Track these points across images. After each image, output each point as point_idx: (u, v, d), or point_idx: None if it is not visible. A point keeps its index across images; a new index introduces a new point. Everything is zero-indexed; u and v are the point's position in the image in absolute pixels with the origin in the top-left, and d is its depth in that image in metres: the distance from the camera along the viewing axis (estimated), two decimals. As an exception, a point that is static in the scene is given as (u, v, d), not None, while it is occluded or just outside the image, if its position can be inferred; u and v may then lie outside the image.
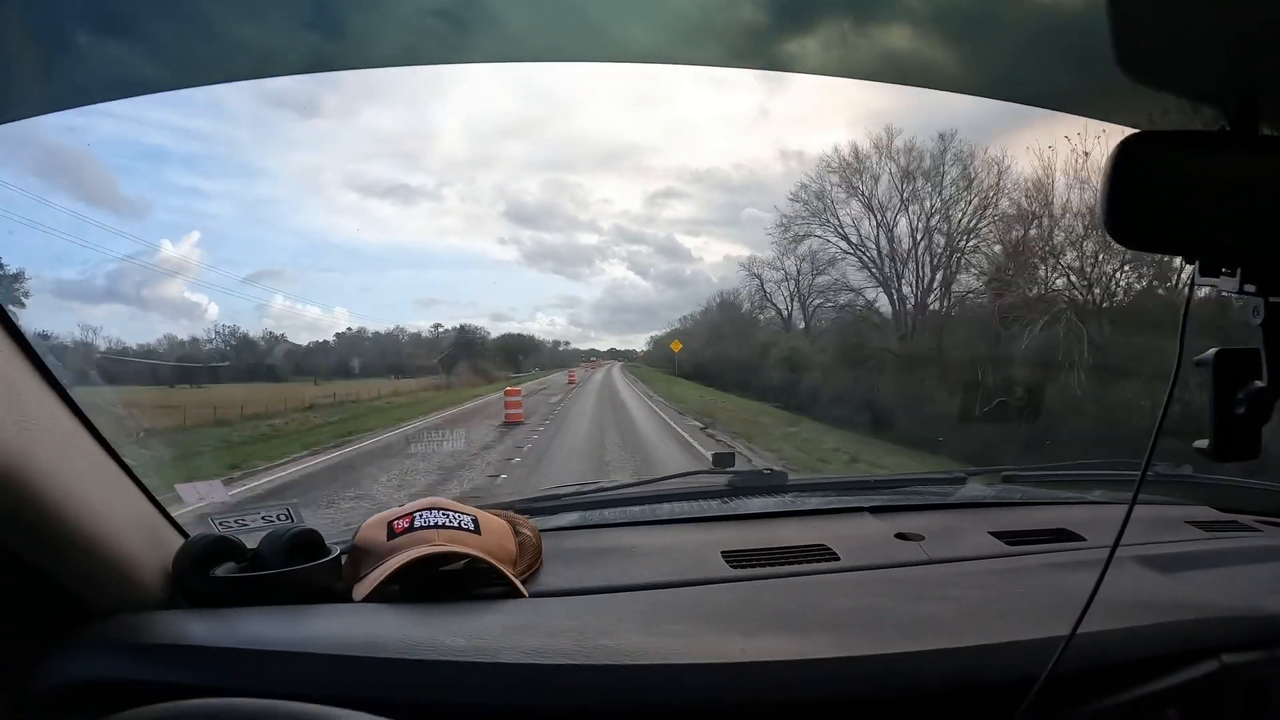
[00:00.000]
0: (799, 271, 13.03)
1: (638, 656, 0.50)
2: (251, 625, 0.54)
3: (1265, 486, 1.02)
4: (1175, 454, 0.92)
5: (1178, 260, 0.51)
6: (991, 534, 0.81)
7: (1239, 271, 0.44)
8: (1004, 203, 9.51)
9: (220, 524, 0.69)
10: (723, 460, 1.10)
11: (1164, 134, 0.43)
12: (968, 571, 0.72)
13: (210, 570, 0.58)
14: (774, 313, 13.96)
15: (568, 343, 23.03)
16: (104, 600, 0.53)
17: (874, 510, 0.91)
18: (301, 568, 0.59)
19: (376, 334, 15.97)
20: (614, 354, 25.32)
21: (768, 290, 13.81)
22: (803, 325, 13.32)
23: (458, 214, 19.40)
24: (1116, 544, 0.46)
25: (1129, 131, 0.44)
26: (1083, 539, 0.81)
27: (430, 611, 0.56)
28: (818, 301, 12.51)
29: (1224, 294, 0.46)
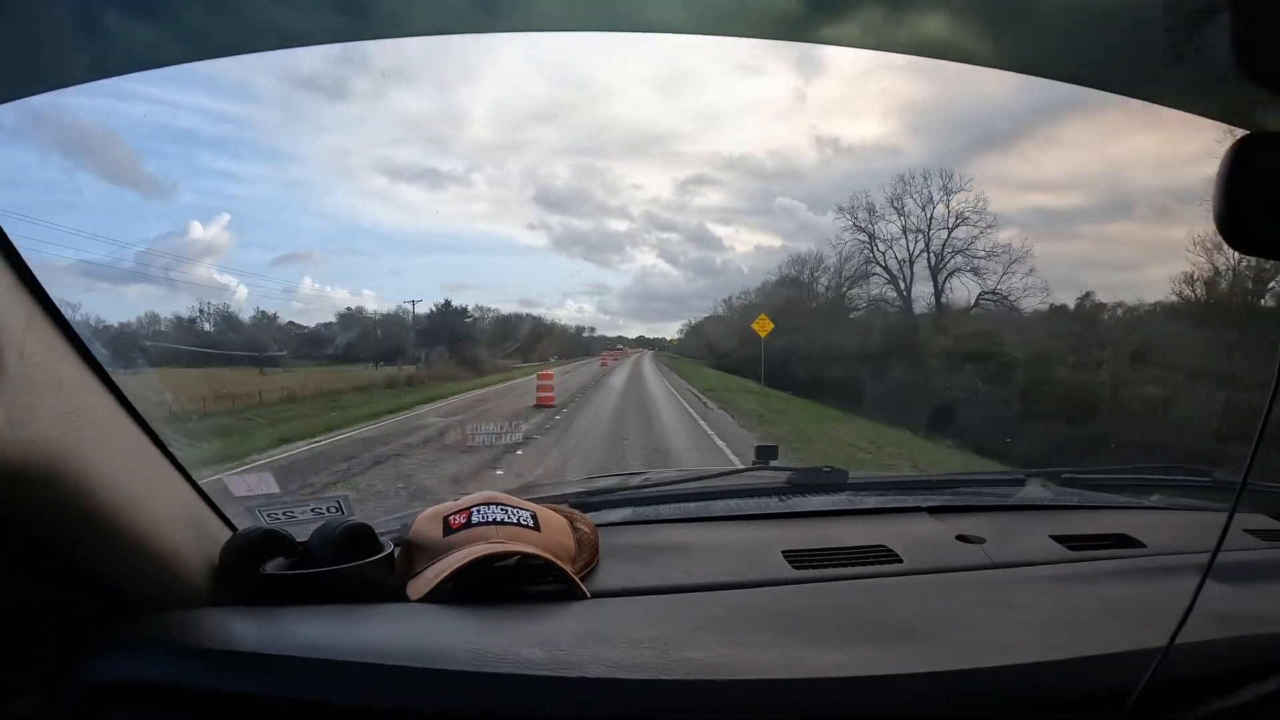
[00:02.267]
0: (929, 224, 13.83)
1: (727, 670, 0.53)
2: (302, 626, 0.58)
3: None
4: (1227, 459, 0.98)
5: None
6: (1052, 538, 0.89)
7: None
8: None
9: (269, 516, 0.76)
10: (765, 453, 1.21)
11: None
12: (1032, 577, 0.79)
13: (259, 565, 0.64)
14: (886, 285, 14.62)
15: (593, 329, 24.16)
16: (149, 596, 0.58)
17: (932, 511, 0.99)
18: (354, 565, 0.65)
19: (350, 313, 16.41)
20: (643, 342, 26.76)
21: (880, 252, 14.46)
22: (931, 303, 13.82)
23: (486, 199, 21.26)
24: (1215, 555, 0.51)
25: (1230, 132, 0.47)
26: (1143, 545, 0.89)
27: (495, 615, 0.61)
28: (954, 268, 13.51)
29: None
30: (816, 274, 15.99)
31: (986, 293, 12.47)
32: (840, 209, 15.19)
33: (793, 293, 17.17)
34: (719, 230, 25.18)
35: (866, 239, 14.99)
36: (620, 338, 26.13)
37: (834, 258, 15.62)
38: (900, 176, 14.44)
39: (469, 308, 18.16)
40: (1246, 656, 0.62)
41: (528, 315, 21.87)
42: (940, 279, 13.83)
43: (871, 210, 14.79)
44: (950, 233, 13.46)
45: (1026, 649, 0.58)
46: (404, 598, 0.65)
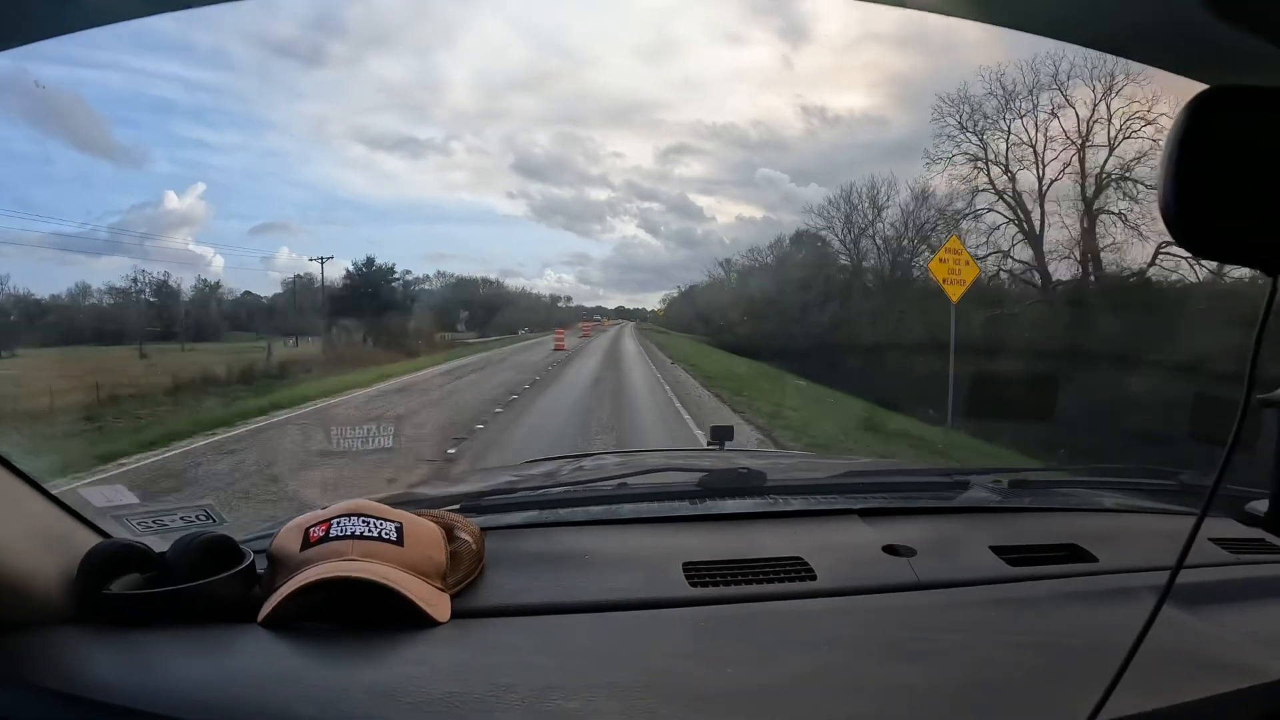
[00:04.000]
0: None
1: None
2: (148, 654, 0.64)
3: None
4: (1197, 462, 1.05)
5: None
6: (992, 549, 0.91)
7: None
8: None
9: (140, 524, 0.81)
10: (721, 434, 1.26)
11: (1257, 91, 0.41)
12: (963, 602, 0.80)
13: (112, 581, 0.69)
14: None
15: (570, 299, 26.25)
16: (2, 615, 0.62)
17: (864, 514, 1.01)
18: (206, 582, 0.70)
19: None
20: (623, 313, 28.81)
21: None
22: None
23: (466, 167, 23.23)
24: (1165, 595, 0.50)
25: (1196, 86, 0.43)
26: (1094, 559, 0.91)
27: (314, 651, 0.66)
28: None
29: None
30: (874, 212, 14.67)
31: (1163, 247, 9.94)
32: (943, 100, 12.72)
33: (817, 250, 16.70)
34: (701, 200, 27.82)
35: (978, 148, 12.50)
36: (599, 308, 28.00)
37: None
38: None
39: (395, 267, 17.59)
40: None
41: (485, 280, 22.21)
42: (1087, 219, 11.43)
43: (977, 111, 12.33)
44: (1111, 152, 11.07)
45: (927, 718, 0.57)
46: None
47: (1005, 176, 12.21)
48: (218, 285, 15.92)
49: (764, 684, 0.63)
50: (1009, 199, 12.07)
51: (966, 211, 12.28)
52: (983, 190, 12.58)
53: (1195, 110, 0.39)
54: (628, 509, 1.03)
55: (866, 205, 14.61)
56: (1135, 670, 0.51)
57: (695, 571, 0.83)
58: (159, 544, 0.74)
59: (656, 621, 0.74)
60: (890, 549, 0.91)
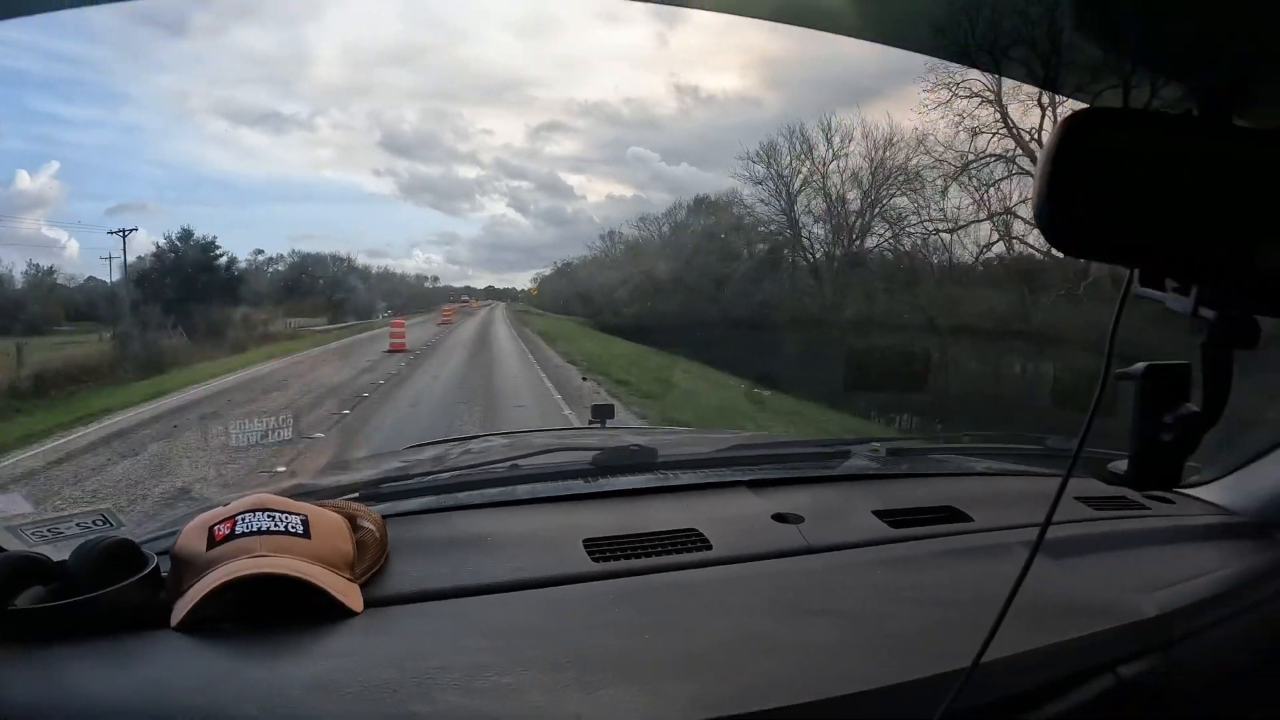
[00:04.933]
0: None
1: None
2: (59, 671, 0.65)
3: None
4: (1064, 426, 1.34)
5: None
6: (875, 514, 1.04)
7: (1192, 292, 0.50)
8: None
9: (35, 534, 0.82)
10: (602, 413, 1.37)
11: (1122, 112, 0.51)
12: (851, 564, 0.91)
13: (14, 597, 0.70)
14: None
15: (436, 279, 26.17)
16: None
17: (752, 485, 1.14)
18: (112, 590, 0.72)
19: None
20: (493, 293, 29.43)
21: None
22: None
23: (332, 144, 23.26)
24: (1036, 549, 0.58)
25: (1069, 104, 0.55)
26: (970, 519, 1.04)
27: (243, 651, 0.69)
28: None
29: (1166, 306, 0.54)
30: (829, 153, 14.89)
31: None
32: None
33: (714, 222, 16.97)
34: (571, 179, 29.60)
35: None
36: (469, 288, 28.23)
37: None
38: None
39: (216, 241, 15.97)
40: (1064, 664, 0.73)
41: (337, 257, 21.45)
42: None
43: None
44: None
45: (827, 677, 0.66)
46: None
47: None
48: (51, 270, 14.76)
49: (683, 649, 0.71)
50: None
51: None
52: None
53: (1068, 127, 0.45)
54: (523, 489, 1.11)
55: (808, 151, 14.68)
56: (1013, 616, 0.60)
57: (596, 547, 0.91)
58: (56, 553, 0.76)
59: (566, 597, 0.81)
60: (779, 517, 1.02)
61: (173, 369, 11.00)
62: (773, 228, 14.79)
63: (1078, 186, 0.46)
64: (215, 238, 15.13)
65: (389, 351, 12.84)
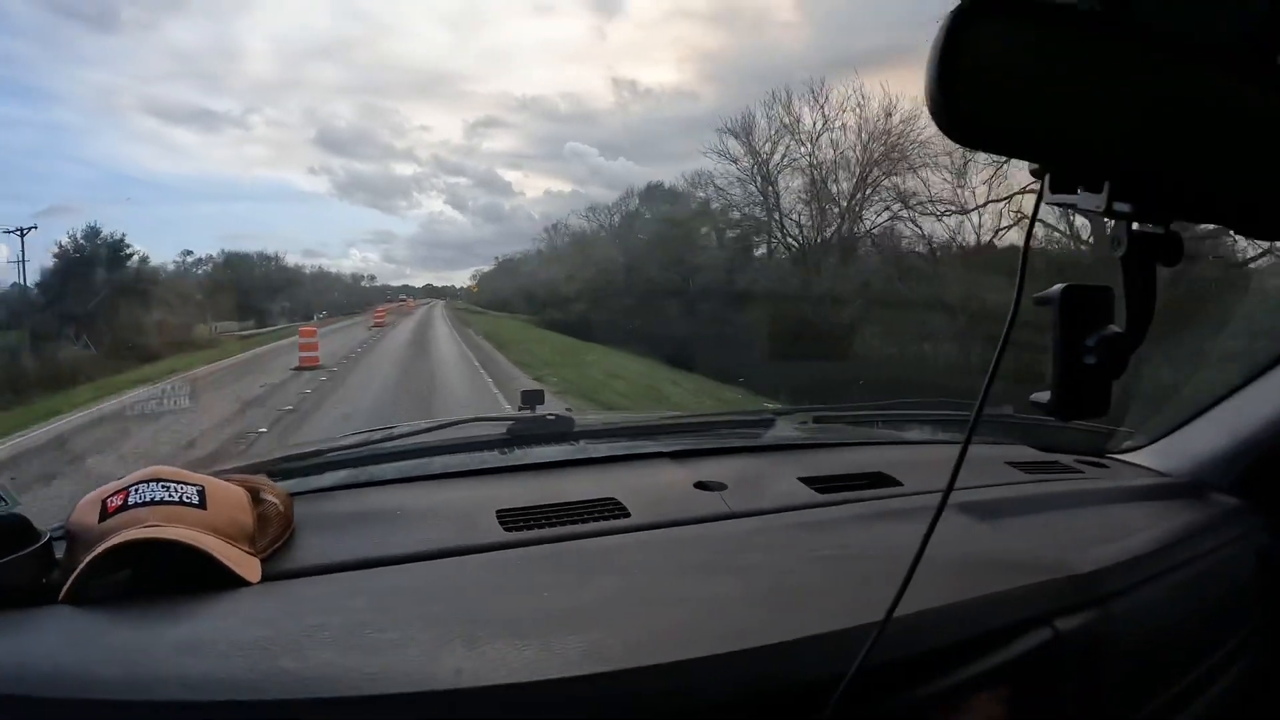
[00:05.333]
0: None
1: (319, 686, 0.59)
2: None
3: (1085, 426, 1.32)
4: (1004, 397, 1.19)
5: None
6: (801, 480, 1.04)
7: (1104, 188, 0.48)
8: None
9: None
10: (531, 399, 1.33)
11: (1016, 3, 0.47)
12: (773, 527, 0.91)
13: None
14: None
15: (373, 278, 26.41)
16: None
17: (674, 456, 1.14)
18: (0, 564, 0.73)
19: None
20: (431, 291, 29.97)
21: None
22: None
23: (265, 142, 22.77)
24: (944, 501, 0.57)
25: None
26: (899, 484, 1.05)
27: (125, 619, 0.70)
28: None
29: (1078, 213, 0.65)
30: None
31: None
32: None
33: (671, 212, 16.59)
34: (509, 175, 30.44)
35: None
36: (406, 286, 28.68)
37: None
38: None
39: (125, 239, 15.08)
40: (996, 616, 0.73)
41: (265, 256, 20.97)
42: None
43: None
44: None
45: (734, 632, 0.66)
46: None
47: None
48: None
49: (578, 604, 0.72)
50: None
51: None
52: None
53: (958, 18, 0.45)
54: (438, 463, 1.13)
55: (795, 125, 14.02)
56: (944, 572, 0.61)
57: (508, 517, 0.91)
58: None
59: (470, 564, 0.82)
60: (701, 485, 1.03)
61: (62, 388, 9.79)
62: (747, 210, 14.47)
63: (971, 80, 0.46)
64: (124, 235, 14.41)
65: (297, 369, 10.22)
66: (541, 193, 30.77)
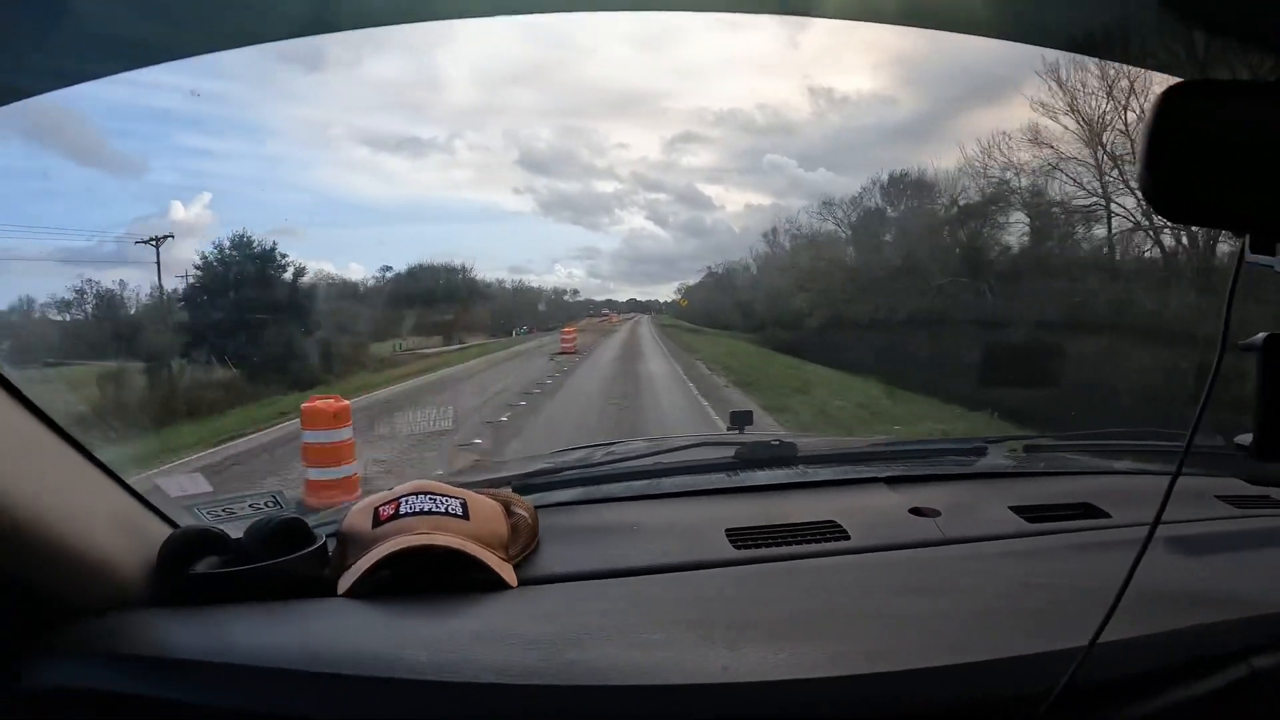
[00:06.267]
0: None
1: (607, 676, 0.73)
2: (230, 628, 0.83)
3: None
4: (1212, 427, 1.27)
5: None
6: (1012, 509, 1.16)
7: None
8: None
9: (210, 514, 1.02)
10: (740, 419, 1.57)
11: (1218, 83, 0.54)
12: (985, 554, 1.03)
13: (192, 565, 0.88)
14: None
15: (576, 292, 29.29)
16: (87, 599, 0.82)
17: (889, 481, 1.31)
18: (283, 561, 0.90)
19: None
20: (635, 305, 32.05)
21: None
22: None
23: (470, 165, 26.76)
24: (1152, 532, 0.67)
25: (1168, 80, 0.56)
26: (1107, 515, 1.16)
27: (407, 612, 0.87)
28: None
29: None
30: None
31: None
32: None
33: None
34: (708, 189, 32.49)
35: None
36: (610, 301, 30.82)
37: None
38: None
39: (276, 249, 14.45)
40: (1195, 648, 0.79)
41: (450, 268, 21.18)
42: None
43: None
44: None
45: (950, 648, 0.77)
46: (336, 591, 0.91)
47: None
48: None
49: (811, 617, 0.84)
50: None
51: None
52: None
53: (1167, 100, 0.52)
54: (668, 483, 1.32)
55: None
56: (1147, 602, 0.71)
57: (738, 536, 1.07)
58: (232, 530, 0.95)
59: (706, 578, 0.96)
60: (916, 510, 1.16)
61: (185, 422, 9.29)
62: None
63: (1178, 156, 0.52)
64: (275, 244, 14.59)
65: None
66: (742, 206, 31.76)
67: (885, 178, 17.11)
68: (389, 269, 19.82)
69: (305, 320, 14.14)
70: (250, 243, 14.51)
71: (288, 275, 14.83)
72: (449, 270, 21.24)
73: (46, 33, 0.88)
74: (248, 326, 12.79)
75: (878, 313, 13.48)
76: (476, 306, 21.18)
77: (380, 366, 14.31)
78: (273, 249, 14.43)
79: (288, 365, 11.75)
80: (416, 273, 20.46)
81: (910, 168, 16.64)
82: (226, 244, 14.08)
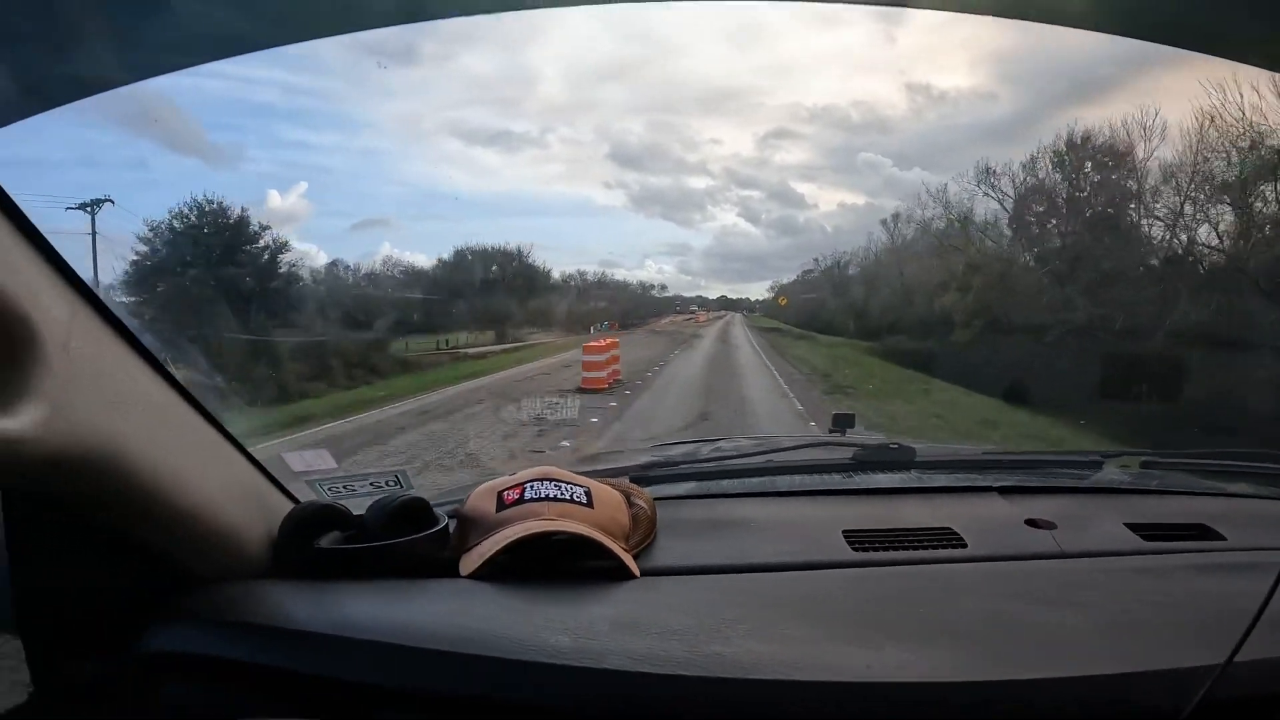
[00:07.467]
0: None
1: (753, 669, 0.80)
2: (351, 603, 0.92)
3: None
4: None
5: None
6: (1127, 525, 1.25)
7: None
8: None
9: (330, 490, 1.13)
10: (842, 421, 1.68)
11: None
12: (1103, 569, 1.10)
13: (314, 540, 1.00)
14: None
15: (664, 287, 31.32)
16: (209, 569, 0.92)
17: (1003, 491, 1.41)
18: (406, 540, 1.00)
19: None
20: (725, 303, 34.21)
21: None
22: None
23: (561, 159, 28.01)
24: None
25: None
26: (1223, 538, 1.23)
27: (540, 594, 0.95)
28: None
29: None
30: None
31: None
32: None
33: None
34: (801, 187, 33.03)
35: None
36: (700, 297, 33.27)
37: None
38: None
39: (250, 218, 15.50)
40: None
41: (506, 253, 20.35)
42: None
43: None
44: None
45: (1080, 658, 0.82)
46: (457, 572, 1.01)
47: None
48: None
49: (935, 623, 0.90)
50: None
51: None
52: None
53: None
54: (783, 481, 1.44)
55: None
56: (1269, 626, 0.73)
57: (855, 538, 1.16)
58: (355, 506, 1.05)
59: (826, 578, 1.06)
60: (1031, 522, 1.24)
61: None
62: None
63: None
64: (269, 227, 15.99)
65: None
66: (835, 206, 32.14)
67: (1063, 142, 15.56)
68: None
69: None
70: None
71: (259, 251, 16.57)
72: (507, 255, 21.22)
73: (144, 20, 0.99)
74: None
75: (1071, 323, 12.14)
76: (541, 300, 21.07)
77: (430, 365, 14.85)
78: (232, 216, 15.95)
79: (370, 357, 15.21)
80: (462, 258, 20.66)
81: (1095, 128, 15.01)
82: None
